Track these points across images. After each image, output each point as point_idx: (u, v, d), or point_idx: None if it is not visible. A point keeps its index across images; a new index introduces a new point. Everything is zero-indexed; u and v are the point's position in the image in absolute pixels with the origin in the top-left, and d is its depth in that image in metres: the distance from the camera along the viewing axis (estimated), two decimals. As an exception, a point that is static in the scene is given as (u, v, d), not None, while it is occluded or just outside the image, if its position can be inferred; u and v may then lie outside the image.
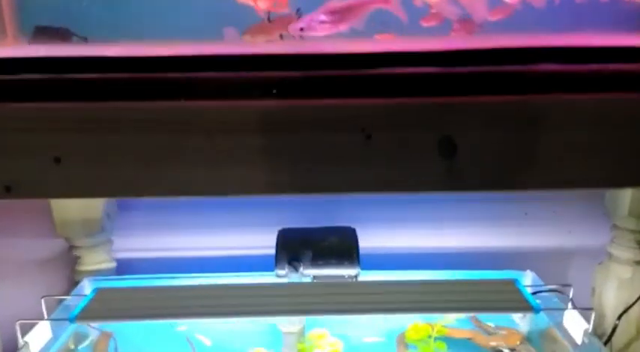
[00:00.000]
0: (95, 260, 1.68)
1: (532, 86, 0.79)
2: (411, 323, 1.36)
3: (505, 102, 0.79)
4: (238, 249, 1.82)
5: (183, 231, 1.82)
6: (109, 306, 1.20)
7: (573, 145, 0.80)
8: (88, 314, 1.17)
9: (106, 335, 1.37)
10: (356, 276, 1.35)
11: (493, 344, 1.28)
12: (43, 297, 1.24)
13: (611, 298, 1.58)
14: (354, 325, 1.37)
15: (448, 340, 1.31)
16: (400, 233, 1.79)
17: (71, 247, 1.68)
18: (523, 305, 1.11)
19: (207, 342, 1.35)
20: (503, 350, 1.25)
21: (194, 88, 0.82)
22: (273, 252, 1.52)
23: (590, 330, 1.13)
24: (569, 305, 1.19)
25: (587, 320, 1.15)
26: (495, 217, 1.83)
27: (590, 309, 1.14)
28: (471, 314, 1.38)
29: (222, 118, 0.81)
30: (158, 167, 0.83)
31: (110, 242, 1.72)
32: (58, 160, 0.82)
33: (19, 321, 1.14)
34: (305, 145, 0.82)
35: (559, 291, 1.24)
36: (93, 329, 1.40)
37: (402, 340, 1.32)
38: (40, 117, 0.81)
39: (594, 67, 0.79)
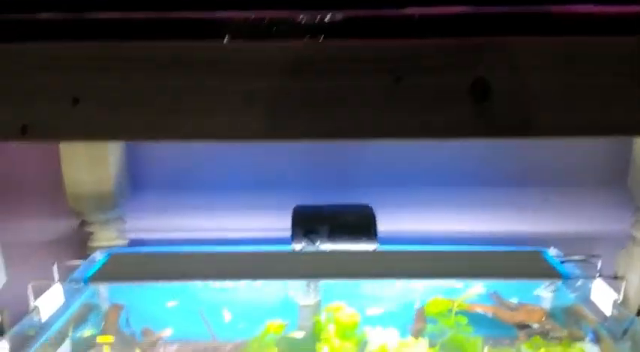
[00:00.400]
0: (108, 236, 1.66)
1: (569, 26, 0.76)
2: (431, 298, 1.32)
3: (541, 43, 0.76)
4: (253, 231, 1.78)
5: (196, 212, 1.79)
6: (123, 270, 1.17)
7: (612, 88, 0.76)
8: (101, 276, 1.14)
9: (116, 307, 1.34)
10: (374, 251, 1.31)
11: (516, 319, 1.24)
12: (54, 263, 1.22)
13: (636, 283, 1.53)
14: (372, 299, 1.33)
15: (469, 315, 1.26)
16: (418, 216, 1.76)
17: (83, 223, 1.66)
18: (551, 273, 1.07)
19: (227, 316, 1.31)
20: (531, 325, 1.20)
21: (218, 28, 0.79)
22: (288, 234, 1.50)
23: (620, 301, 1.08)
24: (597, 275, 1.15)
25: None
26: (515, 202, 1.79)
27: (621, 278, 1.09)
28: (492, 291, 1.33)
29: (246, 60, 0.78)
30: (177, 110, 0.80)
31: (122, 220, 1.70)
32: (76, 101, 0.79)
33: (32, 283, 1.12)
34: (331, 89, 0.79)
35: (587, 261, 1.20)
36: (104, 301, 1.38)
37: (421, 314, 1.28)
38: (58, 57, 0.79)
39: (634, 8, 0.76)
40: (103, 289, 1.43)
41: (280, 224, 1.66)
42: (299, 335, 1.21)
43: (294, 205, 1.59)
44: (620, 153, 1.74)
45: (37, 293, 1.15)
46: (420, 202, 1.77)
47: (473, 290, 1.32)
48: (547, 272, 1.09)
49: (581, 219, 1.78)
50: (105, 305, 1.37)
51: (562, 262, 1.17)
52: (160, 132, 0.81)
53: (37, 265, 1.24)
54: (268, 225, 1.70)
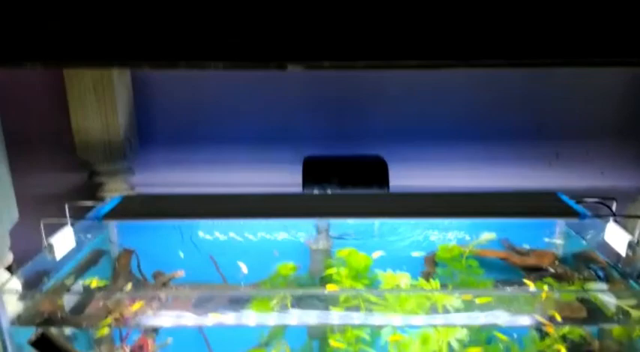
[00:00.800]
0: (116, 188, 1.65)
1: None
2: (441, 244, 1.31)
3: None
4: (261, 186, 1.77)
5: (204, 166, 1.78)
6: (136, 209, 1.17)
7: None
8: (115, 214, 1.14)
9: (127, 252, 1.35)
10: (386, 194, 1.30)
11: (527, 263, 1.23)
12: (66, 203, 1.22)
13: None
14: (383, 246, 1.32)
15: (479, 259, 1.26)
16: (428, 172, 1.74)
17: (92, 174, 1.66)
18: (568, 211, 1.06)
19: (238, 260, 1.31)
20: (549, 269, 1.19)
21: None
22: (298, 189, 1.49)
23: (635, 241, 1.07)
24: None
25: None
26: (527, 157, 1.77)
27: (637, 216, 1.09)
28: (503, 238, 1.33)
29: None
30: None
31: (131, 171, 1.69)
32: None
33: (44, 220, 1.12)
34: None
35: (602, 203, 1.19)
36: (114, 247, 1.38)
37: (431, 259, 1.28)
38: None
39: None
40: (114, 234, 1.44)
41: (289, 178, 1.65)
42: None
43: (303, 159, 1.57)
44: (631, 106, 1.72)
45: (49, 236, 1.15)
46: (430, 157, 1.75)
47: (484, 237, 1.31)
48: (564, 210, 1.08)
49: (592, 174, 1.76)
50: (116, 251, 1.37)
51: (578, 202, 1.16)
52: None
53: (48, 212, 1.24)
54: (277, 179, 1.69)
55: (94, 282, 1.18)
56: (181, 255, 1.33)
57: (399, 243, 1.35)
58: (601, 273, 1.12)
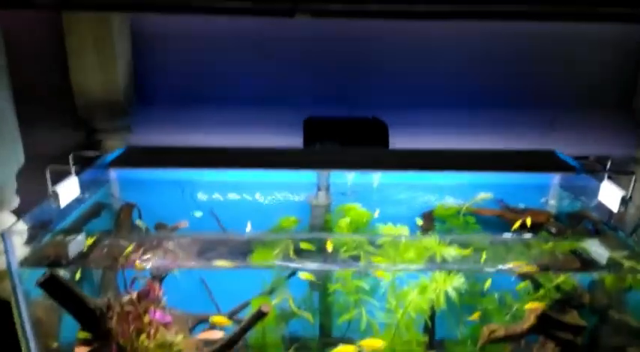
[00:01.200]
0: (115, 145, 1.65)
1: None
2: (439, 203, 1.34)
3: None
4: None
5: (202, 128, 1.78)
6: (141, 159, 1.18)
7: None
8: (119, 163, 1.15)
9: (128, 206, 1.36)
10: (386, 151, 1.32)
11: (523, 219, 1.27)
12: (71, 153, 1.22)
13: (637, 203, 1.57)
14: (382, 203, 1.35)
15: (476, 217, 1.29)
16: (426, 137, 1.76)
17: (91, 132, 1.66)
18: (566, 166, 1.09)
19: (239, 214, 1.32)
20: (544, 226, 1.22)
21: None
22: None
23: (628, 196, 1.11)
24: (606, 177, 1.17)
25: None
26: (522, 124, 1.80)
27: (631, 173, 1.12)
28: (499, 198, 1.36)
29: None
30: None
31: (130, 130, 1.69)
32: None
33: (50, 166, 1.12)
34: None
35: (597, 161, 1.22)
36: (116, 200, 1.39)
37: (429, 215, 1.31)
38: None
39: None
40: (116, 190, 1.45)
41: (289, 141, 1.66)
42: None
43: (304, 120, 1.58)
44: (626, 76, 1.74)
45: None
46: (429, 122, 1.77)
47: (480, 196, 1.34)
48: (561, 165, 1.11)
49: (586, 142, 1.80)
50: (117, 205, 1.38)
51: (575, 159, 1.19)
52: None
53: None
54: (277, 142, 1.70)
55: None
56: (198, 215, 1.34)
57: (398, 203, 1.38)
58: (595, 231, 1.15)
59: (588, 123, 1.80)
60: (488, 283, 1.20)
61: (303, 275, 1.16)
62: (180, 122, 1.77)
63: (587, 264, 1.07)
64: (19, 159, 1.17)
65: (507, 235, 1.16)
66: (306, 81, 1.73)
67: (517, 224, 1.22)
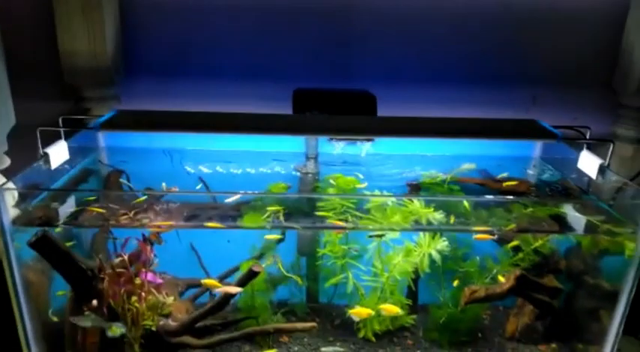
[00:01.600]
0: (103, 114, 1.65)
1: None
2: (425, 172, 1.38)
3: None
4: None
5: (190, 99, 1.77)
6: (131, 121, 1.18)
7: None
8: (111, 125, 1.16)
9: (117, 172, 1.37)
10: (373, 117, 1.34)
11: (504, 189, 1.31)
12: (60, 117, 1.22)
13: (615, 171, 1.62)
14: (369, 175, 1.38)
15: (460, 185, 1.33)
16: (415, 112, 1.78)
17: (79, 100, 1.64)
18: (547, 133, 1.13)
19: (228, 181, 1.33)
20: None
21: None
22: None
23: (606, 164, 1.16)
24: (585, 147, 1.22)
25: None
26: (504, 101, 1.83)
27: (609, 141, 1.17)
28: (482, 169, 1.40)
29: None
30: None
31: (118, 99, 1.68)
32: None
33: (39, 129, 1.12)
34: None
35: (577, 130, 1.27)
36: (104, 167, 1.40)
37: (415, 185, 1.34)
38: None
39: None
40: (104, 157, 1.46)
41: (278, 112, 1.67)
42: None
43: (293, 91, 1.59)
44: (607, 53, 1.78)
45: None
46: (415, 96, 1.79)
47: (464, 166, 1.38)
48: (543, 132, 1.15)
49: (567, 118, 1.84)
50: (105, 172, 1.39)
51: (555, 127, 1.23)
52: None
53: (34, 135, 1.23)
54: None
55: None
56: (170, 172, 1.34)
57: (384, 173, 1.41)
58: (575, 198, 1.20)
59: (570, 101, 1.84)
60: (467, 248, 1.24)
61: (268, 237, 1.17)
62: (169, 93, 1.77)
63: (565, 227, 1.12)
64: (10, 118, 1.17)
65: (489, 197, 1.20)
66: (295, 54, 1.74)
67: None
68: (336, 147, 1.45)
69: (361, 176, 1.31)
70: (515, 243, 1.24)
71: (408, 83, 1.81)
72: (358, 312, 1.17)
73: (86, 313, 1.13)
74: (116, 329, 1.12)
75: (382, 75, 1.81)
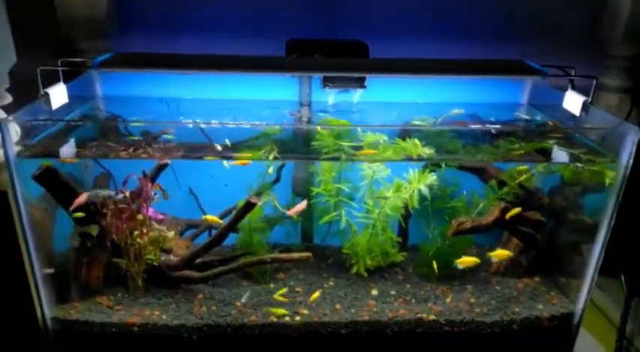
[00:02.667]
0: (99, 66, 1.67)
1: None
2: (415, 117, 1.42)
3: None
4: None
5: (185, 53, 1.79)
6: (129, 61, 1.21)
7: None
8: (108, 64, 1.19)
9: (114, 117, 1.40)
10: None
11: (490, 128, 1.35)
12: (60, 60, 1.24)
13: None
14: (361, 120, 1.42)
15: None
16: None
17: (74, 52, 1.66)
18: (533, 70, 1.17)
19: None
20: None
21: None
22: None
23: (589, 100, 1.20)
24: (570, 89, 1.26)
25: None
26: (494, 55, 1.86)
27: (593, 77, 1.21)
28: (472, 113, 1.44)
29: None
30: None
31: (113, 51, 1.70)
32: None
33: (40, 68, 1.15)
34: None
35: (562, 68, 1.31)
36: (102, 113, 1.43)
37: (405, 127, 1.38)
38: None
39: None
40: (101, 104, 1.48)
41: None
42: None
43: (286, 41, 1.61)
44: (594, 7, 1.81)
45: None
46: (405, 49, 1.82)
47: (454, 111, 1.42)
48: (529, 70, 1.19)
49: (555, 72, 1.88)
50: (103, 117, 1.42)
51: (542, 66, 1.27)
52: None
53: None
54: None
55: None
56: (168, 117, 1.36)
57: (376, 119, 1.45)
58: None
59: (556, 54, 1.87)
60: (455, 187, 1.28)
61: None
62: (163, 48, 1.78)
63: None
64: (11, 56, 1.20)
65: (477, 126, 1.24)
66: (289, 6, 1.75)
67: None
68: (329, 95, 1.49)
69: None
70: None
71: (398, 38, 1.83)
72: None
73: None
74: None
75: (373, 30, 1.83)
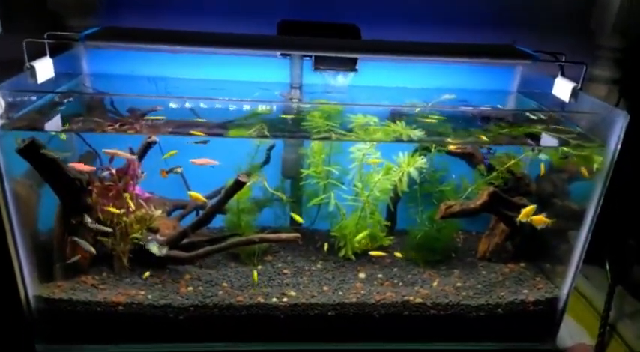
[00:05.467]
0: (86, 46, 1.64)
1: None
2: (406, 102, 1.42)
3: None
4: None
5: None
6: (117, 35, 1.19)
7: None
8: (97, 37, 1.16)
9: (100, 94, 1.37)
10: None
11: (482, 114, 1.35)
12: (46, 34, 1.22)
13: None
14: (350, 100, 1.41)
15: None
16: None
17: (62, 31, 1.62)
18: (524, 55, 1.17)
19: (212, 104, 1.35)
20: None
21: None
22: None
23: (578, 87, 1.21)
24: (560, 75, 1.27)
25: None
26: (487, 42, 1.87)
27: (582, 63, 1.21)
28: (462, 99, 1.44)
29: None
30: None
31: (101, 29, 1.67)
32: None
33: (26, 41, 1.12)
34: None
35: (552, 54, 1.32)
36: (88, 90, 1.40)
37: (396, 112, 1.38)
38: None
39: None
40: (87, 81, 1.46)
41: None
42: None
43: (277, 22, 1.59)
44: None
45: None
46: (396, 34, 1.81)
47: (445, 97, 1.42)
48: (520, 55, 1.19)
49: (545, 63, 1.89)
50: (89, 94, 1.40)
51: (535, 50, 1.28)
52: None
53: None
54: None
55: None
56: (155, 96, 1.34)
57: (367, 97, 1.45)
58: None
59: (546, 43, 1.88)
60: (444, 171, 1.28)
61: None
62: (152, 27, 1.76)
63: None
64: (-6, 27, 1.17)
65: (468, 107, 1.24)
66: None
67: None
68: (319, 77, 1.48)
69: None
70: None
71: (390, 23, 1.82)
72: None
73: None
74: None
75: (365, 14, 1.82)
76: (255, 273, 1.25)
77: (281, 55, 1.39)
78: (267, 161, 1.39)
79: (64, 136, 1.25)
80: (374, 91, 1.50)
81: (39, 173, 1.13)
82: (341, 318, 1.22)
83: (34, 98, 1.17)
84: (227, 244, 1.25)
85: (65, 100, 1.30)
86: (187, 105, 1.26)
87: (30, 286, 1.17)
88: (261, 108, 1.30)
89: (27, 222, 1.17)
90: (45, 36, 1.22)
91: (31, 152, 1.07)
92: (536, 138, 1.21)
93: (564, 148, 1.16)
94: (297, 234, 1.24)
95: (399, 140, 1.16)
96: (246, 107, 1.27)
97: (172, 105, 1.33)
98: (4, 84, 1.07)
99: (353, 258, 1.38)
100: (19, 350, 1.22)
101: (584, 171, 1.19)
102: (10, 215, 1.10)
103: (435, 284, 1.30)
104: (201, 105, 1.44)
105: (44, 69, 1.21)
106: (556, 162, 1.26)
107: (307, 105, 1.35)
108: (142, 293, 1.21)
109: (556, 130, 1.23)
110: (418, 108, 1.38)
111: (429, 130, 1.23)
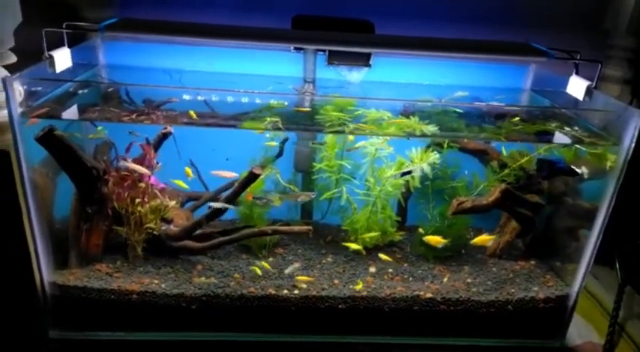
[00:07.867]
0: (102, 38, 1.65)
1: None
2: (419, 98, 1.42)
3: None
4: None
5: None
6: (135, 26, 1.20)
7: None
8: (113, 28, 1.17)
9: (116, 83, 1.38)
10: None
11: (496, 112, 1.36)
12: (65, 24, 1.23)
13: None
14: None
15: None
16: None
17: (77, 21, 1.64)
18: (539, 52, 1.17)
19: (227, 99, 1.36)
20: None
21: None
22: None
23: (593, 85, 1.21)
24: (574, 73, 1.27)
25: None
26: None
27: (597, 61, 1.21)
28: (474, 96, 1.45)
29: None
30: None
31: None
32: None
33: (44, 30, 1.14)
34: None
35: (567, 52, 1.31)
36: (103, 80, 1.42)
37: (409, 108, 1.38)
38: None
39: None
40: (104, 72, 1.47)
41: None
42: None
43: (292, 17, 1.59)
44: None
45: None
46: (411, 33, 1.81)
47: (457, 94, 1.43)
48: (535, 52, 1.19)
49: (557, 62, 1.88)
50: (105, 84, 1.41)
51: (549, 48, 1.28)
52: None
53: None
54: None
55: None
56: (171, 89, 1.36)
57: (381, 93, 1.45)
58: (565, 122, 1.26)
59: (560, 42, 1.87)
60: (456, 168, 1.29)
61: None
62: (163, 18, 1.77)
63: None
64: (16, 16, 1.18)
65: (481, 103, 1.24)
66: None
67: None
68: (332, 72, 1.48)
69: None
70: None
71: (404, 19, 1.82)
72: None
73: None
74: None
75: (379, 10, 1.82)
76: (257, 269, 1.26)
77: (295, 49, 1.40)
78: (280, 154, 1.40)
79: (100, 129, 1.27)
80: (387, 87, 1.51)
81: (56, 161, 1.15)
82: (351, 311, 1.23)
83: (53, 85, 1.19)
84: (240, 235, 1.26)
85: (80, 91, 1.32)
86: (200, 97, 1.26)
87: (45, 273, 1.18)
88: (274, 103, 1.31)
89: (43, 210, 1.18)
90: (63, 26, 1.24)
91: (48, 140, 1.09)
92: (550, 135, 1.21)
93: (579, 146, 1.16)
94: (309, 227, 1.24)
95: (412, 135, 1.17)
96: (258, 101, 1.29)
97: (186, 97, 1.34)
98: (23, 72, 1.08)
99: (363, 252, 1.39)
100: (33, 336, 1.24)
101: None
102: (28, 202, 1.12)
103: (445, 279, 1.30)
104: (213, 98, 1.46)
105: (62, 58, 1.22)
106: (570, 161, 1.26)
107: (320, 99, 1.35)
108: (156, 282, 1.22)
109: (570, 129, 1.23)
110: (430, 103, 1.38)
111: (442, 125, 1.23)
